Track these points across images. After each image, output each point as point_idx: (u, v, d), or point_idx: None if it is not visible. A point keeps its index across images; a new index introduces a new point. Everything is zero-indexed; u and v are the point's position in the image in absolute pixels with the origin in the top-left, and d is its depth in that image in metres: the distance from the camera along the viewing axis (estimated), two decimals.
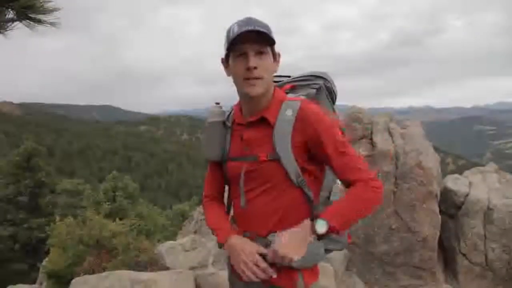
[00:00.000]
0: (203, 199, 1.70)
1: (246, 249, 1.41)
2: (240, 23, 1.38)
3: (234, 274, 1.54)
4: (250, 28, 1.34)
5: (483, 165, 6.26)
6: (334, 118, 1.51)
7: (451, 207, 5.15)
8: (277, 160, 1.40)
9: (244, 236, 1.50)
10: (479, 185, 5.27)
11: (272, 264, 1.38)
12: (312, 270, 1.47)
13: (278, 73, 1.59)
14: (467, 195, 5.09)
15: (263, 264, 1.37)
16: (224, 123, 1.58)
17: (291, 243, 1.33)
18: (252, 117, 1.47)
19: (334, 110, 1.59)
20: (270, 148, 1.42)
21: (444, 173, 5.71)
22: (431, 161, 5.01)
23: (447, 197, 5.16)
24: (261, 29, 1.35)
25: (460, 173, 5.92)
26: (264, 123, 1.44)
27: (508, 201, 4.97)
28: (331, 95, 1.60)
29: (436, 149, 5.71)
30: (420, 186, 4.77)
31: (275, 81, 1.58)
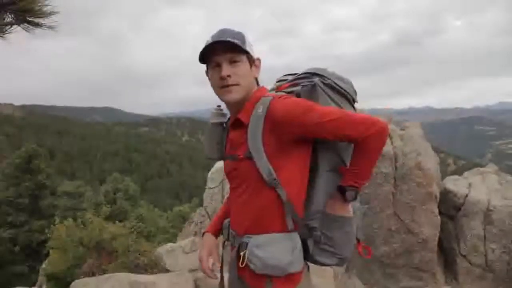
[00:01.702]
0: None
1: (202, 251, 1.66)
2: (213, 36, 1.44)
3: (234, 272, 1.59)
4: (218, 39, 1.40)
5: (483, 166, 6.25)
6: (307, 101, 1.43)
7: (450, 208, 5.15)
8: (250, 158, 1.41)
9: (231, 233, 1.58)
10: (478, 186, 5.27)
11: (243, 267, 1.42)
12: (286, 278, 1.40)
13: (285, 73, 1.65)
14: (466, 196, 5.09)
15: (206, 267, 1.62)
16: (222, 124, 1.64)
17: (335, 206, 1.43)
18: (231, 119, 1.55)
19: (340, 106, 1.48)
20: (246, 147, 1.44)
21: (445, 173, 5.70)
22: (431, 162, 5.01)
23: (446, 198, 5.16)
24: (229, 39, 1.39)
25: (461, 173, 5.91)
26: (241, 124, 1.48)
27: (508, 202, 4.96)
28: (339, 92, 1.50)
29: (436, 149, 5.71)
30: (419, 188, 4.77)
31: (280, 80, 1.63)
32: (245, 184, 1.47)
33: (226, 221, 1.67)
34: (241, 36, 1.44)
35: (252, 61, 1.48)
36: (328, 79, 1.50)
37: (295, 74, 1.62)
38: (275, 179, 1.39)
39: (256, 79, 1.53)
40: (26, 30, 1.96)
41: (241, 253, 1.42)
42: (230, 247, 1.61)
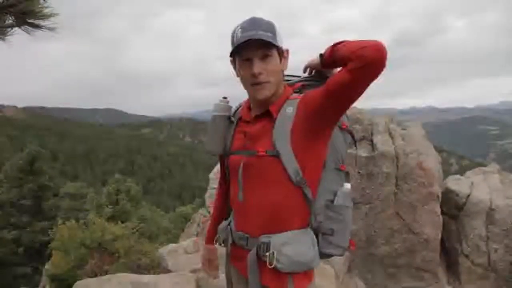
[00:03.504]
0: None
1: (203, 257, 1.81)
2: (244, 26, 1.39)
3: (237, 273, 1.58)
4: (251, 34, 1.36)
5: (487, 166, 6.22)
6: None
7: (453, 208, 5.13)
8: (275, 156, 1.40)
9: (238, 236, 1.52)
10: (480, 186, 5.25)
11: (263, 267, 1.39)
12: (304, 274, 1.43)
13: (288, 73, 1.61)
14: (468, 195, 5.07)
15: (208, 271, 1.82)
16: (229, 118, 1.60)
17: None
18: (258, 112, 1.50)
19: None
20: (269, 143, 1.42)
21: (448, 173, 5.68)
22: (432, 161, 5.00)
23: (448, 198, 5.15)
24: (263, 36, 1.36)
25: (464, 173, 5.89)
26: (267, 117, 1.46)
27: (510, 201, 4.94)
28: None
29: (439, 149, 5.71)
30: (421, 187, 4.76)
31: (286, 80, 1.60)
32: (264, 180, 1.43)
33: (224, 224, 1.64)
34: (272, 28, 1.41)
35: (282, 53, 1.46)
36: None
37: (296, 76, 1.63)
38: (302, 179, 1.39)
39: (282, 71, 1.50)
40: (26, 32, 1.96)
41: (267, 254, 1.38)
42: (235, 250, 1.56)
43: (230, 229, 1.58)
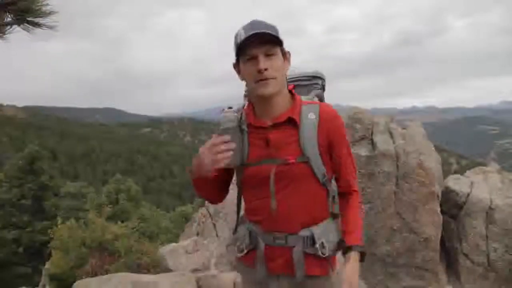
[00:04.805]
0: None
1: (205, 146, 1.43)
2: (246, 27, 1.40)
3: (266, 272, 1.57)
4: (256, 31, 1.37)
5: (487, 165, 6.22)
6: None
7: (452, 207, 5.13)
8: (305, 162, 1.47)
9: (273, 237, 1.53)
10: (480, 185, 5.25)
11: (309, 256, 1.51)
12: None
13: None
14: (468, 195, 5.07)
15: (217, 141, 1.37)
16: (239, 127, 1.54)
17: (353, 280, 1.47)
18: (277, 118, 1.49)
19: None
20: (297, 150, 1.47)
21: (448, 173, 5.68)
22: (432, 161, 4.99)
23: (448, 197, 5.14)
24: (267, 31, 1.38)
25: (464, 173, 5.89)
26: (289, 124, 1.48)
27: (510, 201, 4.94)
28: (324, 90, 1.79)
29: (439, 149, 5.71)
30: (421, 187, 4.75)
31: None
32: (295, 184, 1.49)
33: (241, 233, 1.61)
34: (275, 28, 1.42)
35: (284, 54, 1.48)
36: (324, 81, 1.74)
37: None
38: (327, 179, 1.52)
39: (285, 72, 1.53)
40: (26, 30, 1.96)
41: (317, 246, 1.48)
42: (270, 251, 1.53)
43: (256, 234, 1.56)
